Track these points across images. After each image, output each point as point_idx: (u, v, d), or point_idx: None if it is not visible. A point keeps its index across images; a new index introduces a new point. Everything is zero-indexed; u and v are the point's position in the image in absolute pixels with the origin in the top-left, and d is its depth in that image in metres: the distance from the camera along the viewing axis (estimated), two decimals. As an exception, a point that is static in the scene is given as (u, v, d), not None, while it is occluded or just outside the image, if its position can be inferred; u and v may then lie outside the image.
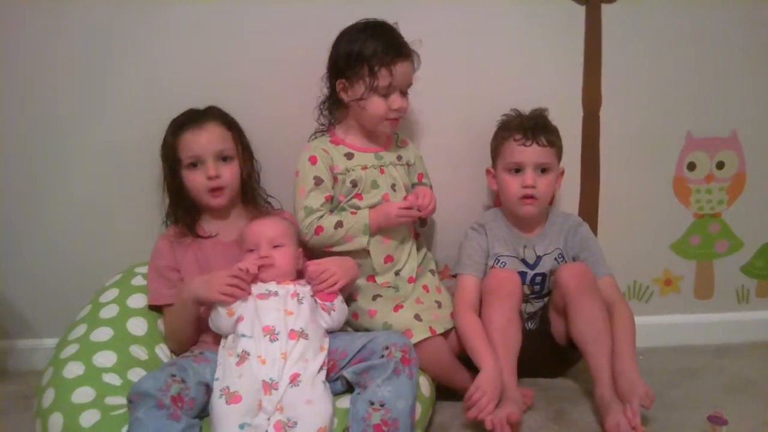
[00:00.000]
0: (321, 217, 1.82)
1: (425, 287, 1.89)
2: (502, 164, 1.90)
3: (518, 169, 1.86)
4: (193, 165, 1.79)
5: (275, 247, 1.69)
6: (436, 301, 1.86)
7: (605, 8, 2.00)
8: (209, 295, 1.61)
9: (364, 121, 1.86)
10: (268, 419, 1.42)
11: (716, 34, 2.03)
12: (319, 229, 1.81)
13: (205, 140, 1.78)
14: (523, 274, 1.90)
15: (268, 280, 1.66)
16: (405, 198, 1.87)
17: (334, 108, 1.91)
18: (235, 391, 1.44)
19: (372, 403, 1.46)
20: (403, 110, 1.84)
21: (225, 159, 1.81)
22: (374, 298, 1.82)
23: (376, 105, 1.80)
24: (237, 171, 1.84)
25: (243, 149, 1.86)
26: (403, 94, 1.83)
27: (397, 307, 1.78)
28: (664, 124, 2.09)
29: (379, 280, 1.86)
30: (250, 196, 1.89)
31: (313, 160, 1.84)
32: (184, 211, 1.84)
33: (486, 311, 1.79)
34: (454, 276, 1.94)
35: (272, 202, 1.96)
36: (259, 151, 1.93)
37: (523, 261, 1.92)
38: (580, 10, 2.00)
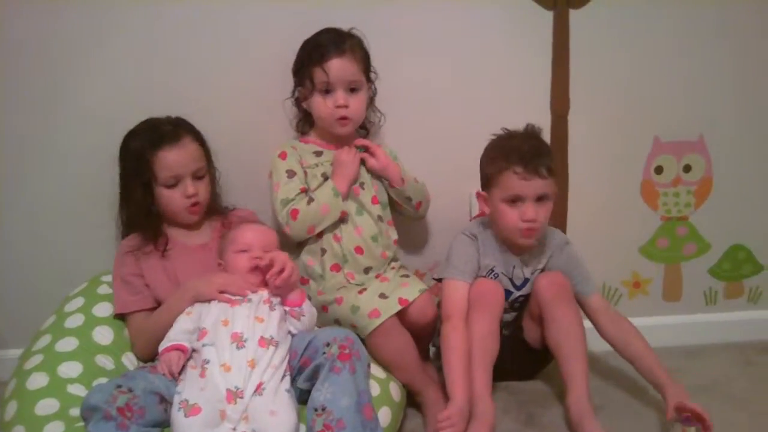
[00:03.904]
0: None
1: (393, 268, 1.92)
2: (499, 194, 1.78)
3: (516, 200, 1.77)
4: (172, 184, 1.76)
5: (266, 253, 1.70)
6: (403, 276, 1.88)
7: (573, 13, 2.01)
8: (209, 291, 1.62)
9: (320, 123, 1.89)
10: (234, 429, 1.41)
11: (683, 40, 2.05)
12: (294, 212, 1.81)
13: (185, 159, 1.76)
14: (507, 293, 1.88)
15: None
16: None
17: (305, 123, 1.96)
18: (194, 403, 1.42)
19: (315, 410, 1.45)
20: (349, 109, 1.84)
21: (200, 177, 1.80)
22: (338, 289, 1.82)
23: (318, 104, 1.84)
24: (208, 185, 1.83)
25: (210, 161, 1.85)
26: (352, 91, 1.84)
27: (361, 291, 1.78)
28: (631, 128, 2.10)
29: (346, 269, 1.85)
30: (213, 200, 1.88)
31: (283, 156, 1.87)
32: (149, 224, 1.80)
33: (468, 320, 1.77)
34: (439, 280, 1.90)
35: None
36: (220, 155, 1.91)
37: (511, 281, 1.89)
38: (548, 16, 2.01)
